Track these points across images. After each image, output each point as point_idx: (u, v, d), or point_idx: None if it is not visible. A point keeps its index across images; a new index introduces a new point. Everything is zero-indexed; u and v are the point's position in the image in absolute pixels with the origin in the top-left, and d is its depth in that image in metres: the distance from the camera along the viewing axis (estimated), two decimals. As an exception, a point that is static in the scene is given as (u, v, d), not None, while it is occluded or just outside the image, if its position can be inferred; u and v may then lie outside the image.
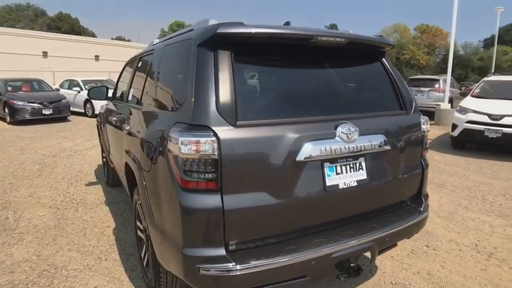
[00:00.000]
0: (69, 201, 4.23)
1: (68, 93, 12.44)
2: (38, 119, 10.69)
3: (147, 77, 2.61)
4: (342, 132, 1.85)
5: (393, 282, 2.65)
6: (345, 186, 1.91)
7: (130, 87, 3.18)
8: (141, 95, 2.63)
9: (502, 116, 6.46)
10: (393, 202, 2.25)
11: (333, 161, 1.87)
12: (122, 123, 2.94)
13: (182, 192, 1.63)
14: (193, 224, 1.63)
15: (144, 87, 2.62)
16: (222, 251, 1.65)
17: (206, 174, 1.61)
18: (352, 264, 1.93)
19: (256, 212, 1.70)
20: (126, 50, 35.13)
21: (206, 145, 1.59)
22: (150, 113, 2.23)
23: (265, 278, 1.71)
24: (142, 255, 2.58)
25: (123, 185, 4.67)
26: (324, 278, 1.93)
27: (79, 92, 12.74)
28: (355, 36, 2.05)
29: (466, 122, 6.90)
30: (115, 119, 3.38)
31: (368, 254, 2.03)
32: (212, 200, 1.62)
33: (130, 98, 3.09)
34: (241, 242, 1.71)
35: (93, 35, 53.24)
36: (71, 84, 13.57)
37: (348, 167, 1.93)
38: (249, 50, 1.81)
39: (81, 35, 40.85)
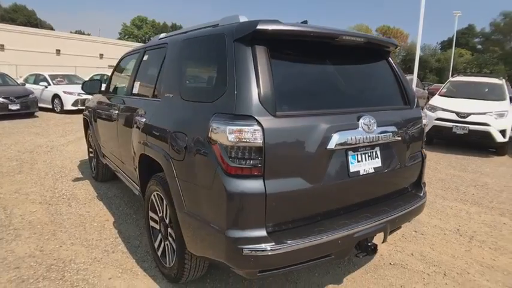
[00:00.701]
0: (60, 197, 4.11)
1: (33, 89, 11.80)
2: (3, 115, 10.07)
3: (161, 70, 2.64)
4: (363, 123, 2.03)
5: (391, 263, 2.88)
6: (364, 173, 2.09)
7: (134, 81, 3.17)
8: (155, 88, 2.65)
9: (468, 114, 7.02)
10: (399, 188, 2.47)
11: (355, 149, 2.04)
12: (130, 117, 2.93)
13: (227, 178, 1.73)
14: (238, 207, 1.73)
15: (158, 80, 2.65)
16: (263, 232, 1.76)
17: (251, 161, 1.72)
18: (369, 244, 2.11)
19: (292, 196, 1.83)
20: (88, 45, 33.76)
21: (252, 133, 1.70)
22: (176, 105, 2.26)
23: (299, 257, 1.84)
24: (157, 245, 2.61)
25: (113, 180, 4.64)
26: (346, 257, 2.09)
27: (46, 87, 12.12)
28: (371, 36, 2.25)
29: (436, 120, 7.40)
30: (116, 113, 3.34)
31: (377, 235, 2.22)
32: (256, 185, 1.73)
33: (136, 91, 3.08)
34: (278, 223, 1.83)
35: (51, 28, 50.53)
36: (37, 78, 12.86)
37: (366, 155, 2.11)
38: (282, 46, 1.93)
39: (37, 28, 38.60)
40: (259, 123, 1.71)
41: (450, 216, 3.92)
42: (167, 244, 2.45)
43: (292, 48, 2.00)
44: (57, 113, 11.81)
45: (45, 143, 7.12)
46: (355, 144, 1.99)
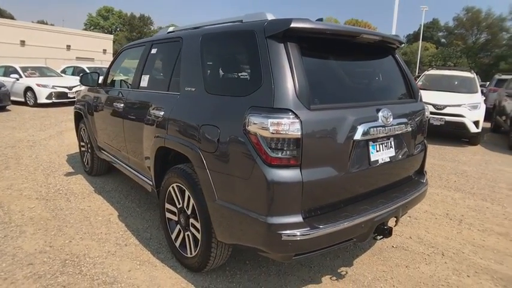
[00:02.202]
0: (56, 192, 4.01)
1: (3, 81, 11.16)
2: (-28, 108, 9.50)
3: (177, 64, 2.66)
4: (382, 116, 2.17)
5: (394, 246, 3.08)
6: (382, 162, 2.24)
7: (142, 74, 3.14)
8: (171, 82, 2.67)
9: (444, 106, 7.43)
10: (406, 176, 2.65)
11: (374, 140, 2.19)
12: (140, 111, 2.93)
13: (268, 168, 1.81)
14: (278, 195, 1.82)
15: (173, 74, 2.67)
16: (300, 218, 1.87)
17: (289, 152, 1.82)
18: (385, 227, 2.27)
19: (323, 184, 1.95)
20: (55, 36, 32.10)
21: (290, 126, 1.79)
22: (201, 99, 2.30)
23: (329, 240, 1.97)
24: (174, 236, 2.65)
25: (107, 174, 4.57)
26: (366, 240, 2.24)
27: (17, 80, 11.50)
28: (383, 34, 2.39)
29: (415, 112, 7.76)
30: (121, 106, 3.30)
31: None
32: (294, 174, 1.83)
33: (145, 84, 3.06)
34: (310, 210, 1.94)
35: (12, 18, 47.57)
36: (7, 70, 12.16)
37: (383, 145, 2.26)
38: (309, 43, 2.02)
39: (-2, 18, 36.27)
40: (297, 116, 1.81)
41: (438, 202, 4.20)
42: (187, 235, 2.50)
43: (318, 45, 2.10)
44: (31, 106, 11.27)
45: (25, 137, 6.83)
46: (376, 135, 2.14)
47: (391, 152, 2.33)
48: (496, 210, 3.99)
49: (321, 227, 1.90)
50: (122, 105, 3.28)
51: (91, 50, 34.28)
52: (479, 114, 7.31)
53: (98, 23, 68.67)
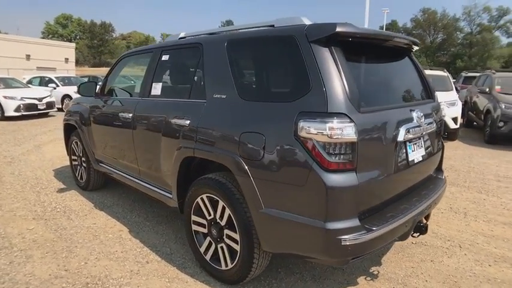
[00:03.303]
0: (53, 211, 3.74)
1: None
2: None
3: (199, 71, 2.58)
4: (417, 116, 2.22)
5: (413, 243, 3.14)
6: (416, 161, 2.28)
7: (152, 82, 3.00)
8: (192, 89, 2.58)
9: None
10: (429, 173, 2.72)
11: (411, 140, 2.23)
12: (157, 120, 2.80)
13: (325, 173, 1.78)
14: (337, 200, 1.79)
15: (195, 81, 2.58)
16: (357, 222, 1.85)
17: (346, 155, 1.80)
18: (421, 224, 2.32)
19: (373, 186, 1.96)
20: (12, 45, 30.21)
21: (347, 130, 1.78)
22: (236, 106, 2.21)
23: (381, 241, 1.97)
24: (203, 249, 2.55)
25: (103, 189, 4.33)
26: (407, 238, 2.27)
27: (-22, 91, 10.69)
28: (409, 38, 2.45)
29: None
30: (129, 116, 3.12)
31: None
32: (351, 178, 1.81)
33: (158, 92, 2.92)
34: (363, 212, 1.93)
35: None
36: (-34, 81, 11.29)
37: (417, 145, 2.31)
38: (349, 46, 2.02)
39: None
40: (351, 120, 1.80)
41: (438, 197, 4.35)
42: (221, 247, 2.41)
43: (355, 48, 2.10)
44: (-4, 119, 10.52)
45: (0, 153, 6.35)
46: (413, 135, 2.18)
47: (422, 151, 2.39)
48: (493, 201, 4.20)
49: (374, 228, 1.90)
50: (131, 115, 3.12)
51: (52, 60, 32.60)
52: (457, 110, 7.71)
53: (56, 31, 65.88)
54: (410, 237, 3.14)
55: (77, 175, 4.50)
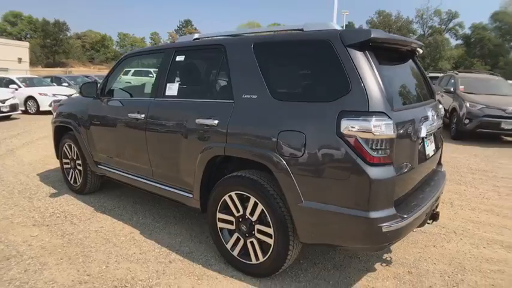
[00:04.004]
0: (52, 216, 3.59)
1: None
2: None
3: (220, 71, 2.65)
4: (432, 115, 2.46)
5: (414, 230, 3.40)
6: (430, 155, 2.52)
7: (166, 82, 3.00)
8: (216, 89, 2.65)
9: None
10: (434, 166, 2.97)
11: (427, 136, 2.45)
12: (176, 120, 2.82)
13: (369, 167, 1.95)
14: (379, 191, 1.96)
15: (217, 81, 2.66)
16: (393, 210, 2.03)
17: (385, 151, 1.97)
18: (434, 212, 2.55)
19: (404, 178, 2.15)
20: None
21: (387, 127, 1.96)
22: (270, 106, 2.31)
23: (409, 228, 2.17)
24: (230, 245, 2.61)
25: (99, 192, 4.21)
26: (424, 225, 2.49)
27: None
28: (420, 43, 2.68)
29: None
30: (141, 117, 3.09)
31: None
32: (390, 171, 2.00)
33: (174, 93, 2.92)
34: (395, 202, 2.11)
35: None
36: None
37: (429, 140, 2.55)
38: (378, 50, 2.20)
39: None
40: (390, 118, 1.98)
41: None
42: (251, 241, 2.49)
43: (381, 52, 2.27)
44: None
45: (-30, 159, 5.90)
46: (430, 132, 2.41)
47: (433, 146, 2.64)
48: (472, 192, 4.62)
49: (405, 216, 2.09)
50: (143, 115, 3.09)
51: (4, 59, 30.38)
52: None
53: (4, 29, 61.38)
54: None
55: (69, 179, 4.32)
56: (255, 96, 2.40)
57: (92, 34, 69.55)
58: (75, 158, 4.18)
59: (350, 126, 1.97)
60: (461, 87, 8.63)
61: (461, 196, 4.44)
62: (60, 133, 4.32)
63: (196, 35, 3.03)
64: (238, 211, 2.53)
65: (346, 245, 2.19)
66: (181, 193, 2.95)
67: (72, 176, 4.29)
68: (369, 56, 2.11)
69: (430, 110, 2.51)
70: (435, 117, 2.56)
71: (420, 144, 2.36)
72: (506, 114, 7.43)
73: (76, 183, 4.24)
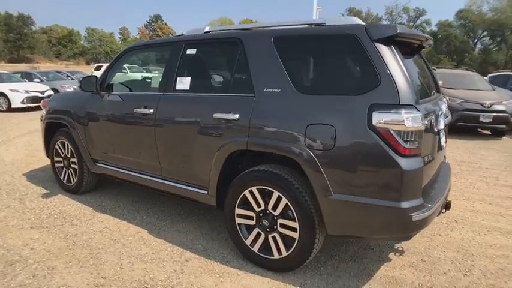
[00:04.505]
0: (50, 217, 3.40)
1: None
2: None
3: (237, 65, 2.62)
4: (445, 107, 2.53)
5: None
6: (443, 147, 2.60)
7: (176, 76, 2.90)
8: (233, 83, 2.63)
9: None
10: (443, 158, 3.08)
11: (441, 128, 2.53)
12: (190, 115, 2.74)
13: (402, 158, 1.98)
14: (410, 182, 2.00)
15: (234, 75, 2.61)
16: (421, 200, 2.09)
17: (415, 142, 2.02)
18: (447, 202, 2.64)
19: (427, 168, 2.22)
20: None
21: (417, 119, 2.00)
22: (295, 100, 2.29)
23: (432, 217, 2.24)
24: (250, 241, 2.58)
25: (94, 191, 4.04)
26: (439, 215, 2.57)
27: None
28: (431, 38, 2.75)
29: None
30: (150, 112, 2.95)
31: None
32: (419, 161, 2.05)
33: (186, 87, 2.83)
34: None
35: None
36: None
37: (442, 132, 2.62)
38: (400, 45, 2.25)
39: None
40: (418, 110, 2.03)
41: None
42: (273, 236, 2.47)
43: (403, 47, 2.31)
44: None
45: None
46: (444, 123, 2.49)
47: (444, 138, 2.72)
48: (462, 183, 4.82)
49: (430, 205, 2.15)
50: (152, 110, 2.98)
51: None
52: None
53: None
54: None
55: (62, 178, 4.11)
56: (278, 90, 2.37)
57: (58, 29, 66.50)
58: (69, 156, 3.98)
59: (382, 119, 2.00)
60: (441, 82, 8.94)
61: (454, 187, 4.61)
62: (51, 130, 4.10)
63: (207, 28, 2.95)
64: (259, 206, 2.50)
65: (374, 235, 2.22)
66: (194, 190, 2.88)
67: (65, 175, 4.09)
68: (394, 50, 2.14)
69: (443, 103, 2.59)
70: (446, 110, 2.64)
71: (439, 135, 2.42)
72: (484, 108, 7.81)
73: (70, 182, 4.04)
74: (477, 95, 8.21)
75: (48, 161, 5.24)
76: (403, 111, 1.99)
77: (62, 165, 4.10)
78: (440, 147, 2.53)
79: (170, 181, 3.05)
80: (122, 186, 4.20)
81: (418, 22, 56.99)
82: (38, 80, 12.89)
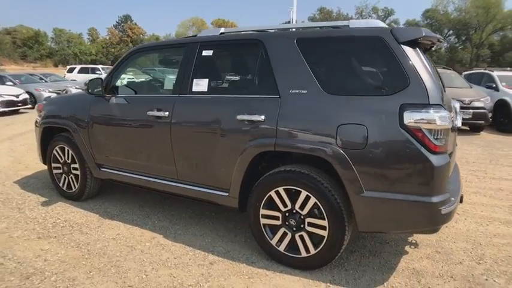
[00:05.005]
0: (56, 226, 3.26)
1: None
2: None
3: (259, 66, 2.64)
4: (456, 106, 2.65)
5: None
6: (457, 143, 2.74)
7: (192, 78, 2.87)
8: (255, 85, 2.65)
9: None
10: None
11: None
12: (211, 117, 2.72)
13: (433, 155, 2.08)
14: (440, 177, 2.11)
15: (257, 77, 2.63)
16: (448, 194, 2.20)
17: (444, 140, 2.12)
18: (461, 195, 2.77)
19: (450, 163, 2.33)
20: None
21: (445, 118, 2.10)
22: (324, 100, 2.34)
23: (455, 211, 2.34)
24: (275, 241, 2.60)
25: (96, 197, 3.91)
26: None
27: None
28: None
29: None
30: (166, 114, 2.91)
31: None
32: (446, 158, 2.16)
33: (203, 89, 2.79)
34: None
35: None
36: None
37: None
38: (421, 48, 2.35)
39: None
40: (445, 109, 2.13)
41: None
42: (300, 235, 2.50)
43: (420, 48, 2.40)
44: None
45: None
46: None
47: (456, 134, 2.86)
48: (454, 175, 5.05)
49: (453, 199, 2.26)
50: (167, 113, 2.92)
51: None
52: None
53: None
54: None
55: (61, 185, 3.95)
56: (304, 91, 2.41)
57: (23, 29, 63.21)
58: (69, 161, 3.83)
59: (414, 118, 2.08)
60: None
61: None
62: (48, 135, 3.93)
63: (222, 30, 2.93)
64: (285, 206, 2.52)
65: (404, 229, 2.32)
66: (214, 192, 2.86)
67: (64, 181, 3.93)
68: (418, 51, 2.24)
69: (456, 102, 2.72)
70: (459, 108, 2.78)
71: (455, 132, 2.55)
72: (464, 105, 8.20)
73: (71, 189, 3.89)
74: (456, 93, 8.59)
75: (37, 168, 5.09)
76: (433, 111, 2.08)
77: (60, 171, 3.94)
78: (456, 144, 2.66)
79: (187, 184, 3.01)
80: (123, 192, 4.09)
81: (387, 22, 58.92)
82: (10, 83, 12.24)
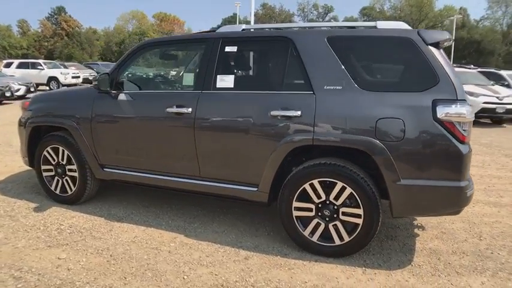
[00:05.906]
0: (62, 233, 3.03)
1: None
2: None
3: (289, 63, 2.71)
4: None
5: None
6: None
7: (215, 74, 2.83)
8: (286, 81, 2.74)
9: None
10: None
11: None
12: (242, 113, 2.72)
13: (461, 145, 2.33)
14: (466, 164, 2.37)
15: (287, 73, 2.70)
16: (470, 179, 2.47)
17: (468, 131, 2.39)
18: None
19: None
20: None
21: (470, 112, 2.36)
22: (359, 96, 2.48)
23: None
24: (308, 232, 2.70)
25: (95, 199, 3.69)
26: None
27: None
28: None
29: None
30: (188, 111, 2.84)
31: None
32: (469, 147, 2.41)
33: (229, 85, 2.77)
34: None
35: None
36: None
37: None
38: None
39: None
40: (469, 104, 2.39)
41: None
42: (334, 225, 2.62)
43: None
44: None
45: None
46: None
47: None
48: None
49: (471, 183, 2.55)
50: (190, 109, 2.85)
51: None
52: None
53: None
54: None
55: (53, 188, 3.65)
56: (339, 87, 2.52)
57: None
58: (64, 163, 3.55)
59: (446, 112, 2.32)
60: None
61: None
62: (36, 136, 3.61)
63: (243, 26, 2.93)
64: (319, 198, 2.63)
65: (434, 212, 2.55)
66: (241, 188, 2.86)
67: (58, 184, 3.63)
68: (442, 51, 2.48)
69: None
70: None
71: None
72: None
73: (66, 192, 3.61)
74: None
75: (11, 171, 4.67)
76: (460, 105, 2.34)
77: (52, 174, 3.63)
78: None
79: (211, 181, 2.97)
80: (120, 192, 3.92)
81: (327, 18, 61.46)
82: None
